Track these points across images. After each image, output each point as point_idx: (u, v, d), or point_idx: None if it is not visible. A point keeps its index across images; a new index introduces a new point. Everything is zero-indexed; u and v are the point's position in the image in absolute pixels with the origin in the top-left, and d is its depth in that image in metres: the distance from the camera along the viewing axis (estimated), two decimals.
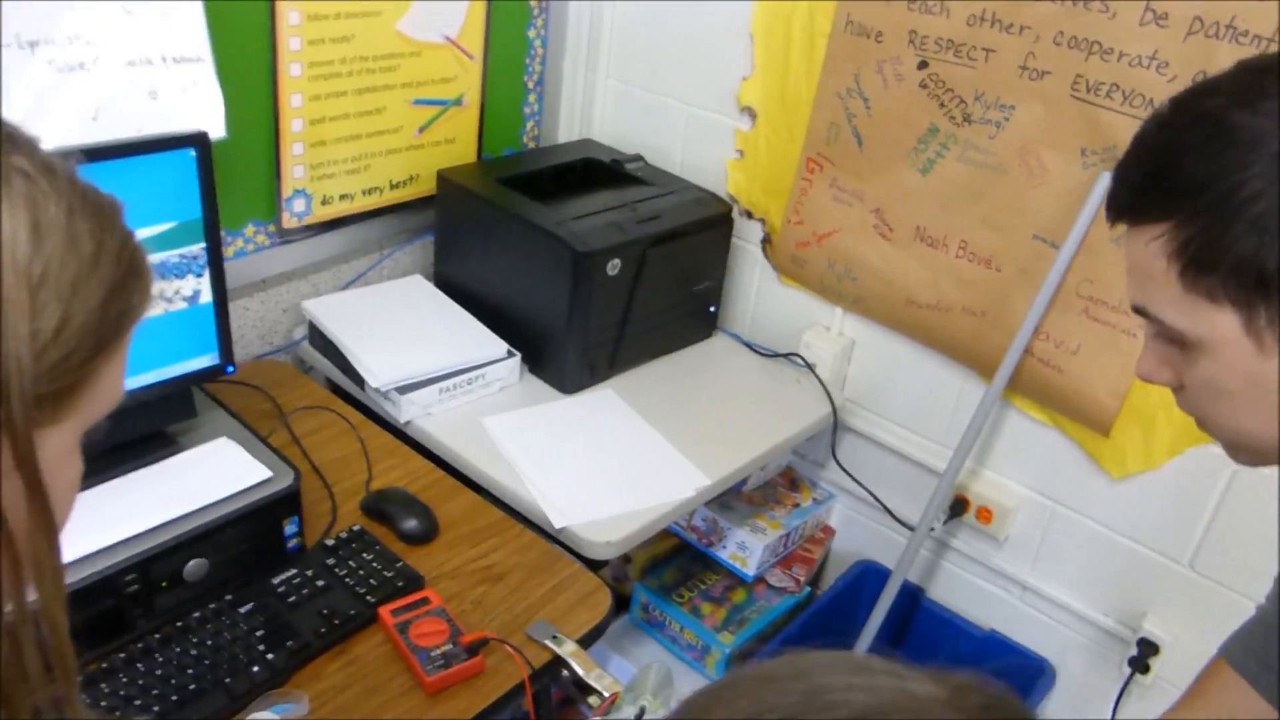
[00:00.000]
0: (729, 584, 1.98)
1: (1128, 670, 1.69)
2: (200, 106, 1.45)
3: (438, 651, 1.16)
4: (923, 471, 1.87)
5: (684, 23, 1.91)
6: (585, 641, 1.24)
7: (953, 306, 1.70)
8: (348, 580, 1.24)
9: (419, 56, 1.77)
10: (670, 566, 2.02)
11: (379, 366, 1.62)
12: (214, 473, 1.23)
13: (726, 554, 1.90)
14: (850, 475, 1.92)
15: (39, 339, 0.49)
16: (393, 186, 1.86)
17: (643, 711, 1.14)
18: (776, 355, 1.95)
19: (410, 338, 1.71)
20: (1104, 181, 1.48)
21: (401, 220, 1.90)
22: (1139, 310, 0.78)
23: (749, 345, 1.98)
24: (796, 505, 1.97)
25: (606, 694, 1.16)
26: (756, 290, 2.01)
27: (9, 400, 0.48)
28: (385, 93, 1.75)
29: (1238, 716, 1.00)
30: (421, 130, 1.86)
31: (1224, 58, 1.35)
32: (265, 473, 1.23)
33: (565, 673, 1.20)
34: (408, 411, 1.60)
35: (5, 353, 0.47)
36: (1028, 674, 1.83)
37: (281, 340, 1.79)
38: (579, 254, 1.62)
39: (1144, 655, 1.67)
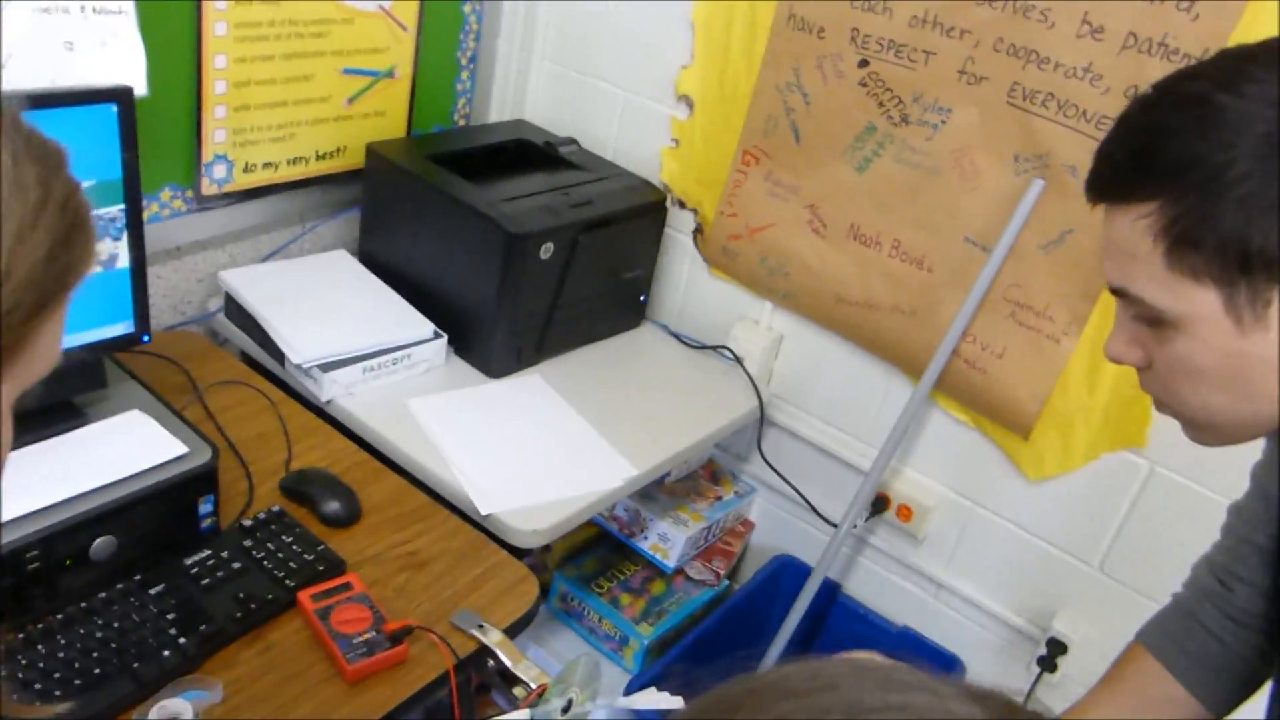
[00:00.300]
0: (648, 575, 1.97)
1: (1036, 669, 1.73)
2: (119, 61, 1.38)
3: (360, 639, 1.12)
4: (844, 468, 1.88)
5: (624, 8, 1.89)
6: (512, 631, 1.21)
7: (882, 305, 1.72)
8: (265, 563, 1.19)
9: (351, 24, 1.71)
10: (590, 556, 2.00)
11: (301, 342, 1.56)
12: (125, 447, 1.17)
13: (648, 545, 1.89)
14: (775, 470, 1.92)
15: None
16: (319, 157, 1.80)
17: (570, 704, 1.12)
18: (704, 347, 1.94)
19: (333, 314, 1.66)
20: (1035, 189, 1.50)
21: (326, 193, 1.84)
22: (1117, 290, 0.79)
23: (677, 336, 1.97)
24: (718, 498, 1.97)
25: (534, 685, 1.14)
26: (686, 281, 2.00)
27: None
28: (315, 59, 1.68)
29: (1153, 698, 1.03)
30: (351, 101, 1.80)
31: (1155, 73, 1.37)
32: (180, 448, 1.18)
33: (490, 663, 1.18)
34: (330, 390, 1.55)
35: None
36: (937, 671, 1.86)
37: (195, 311, 1.72)
38: (511, 236, 1.59)
39: (1052, 654, 1.71)
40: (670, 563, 1.87)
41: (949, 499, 1.80)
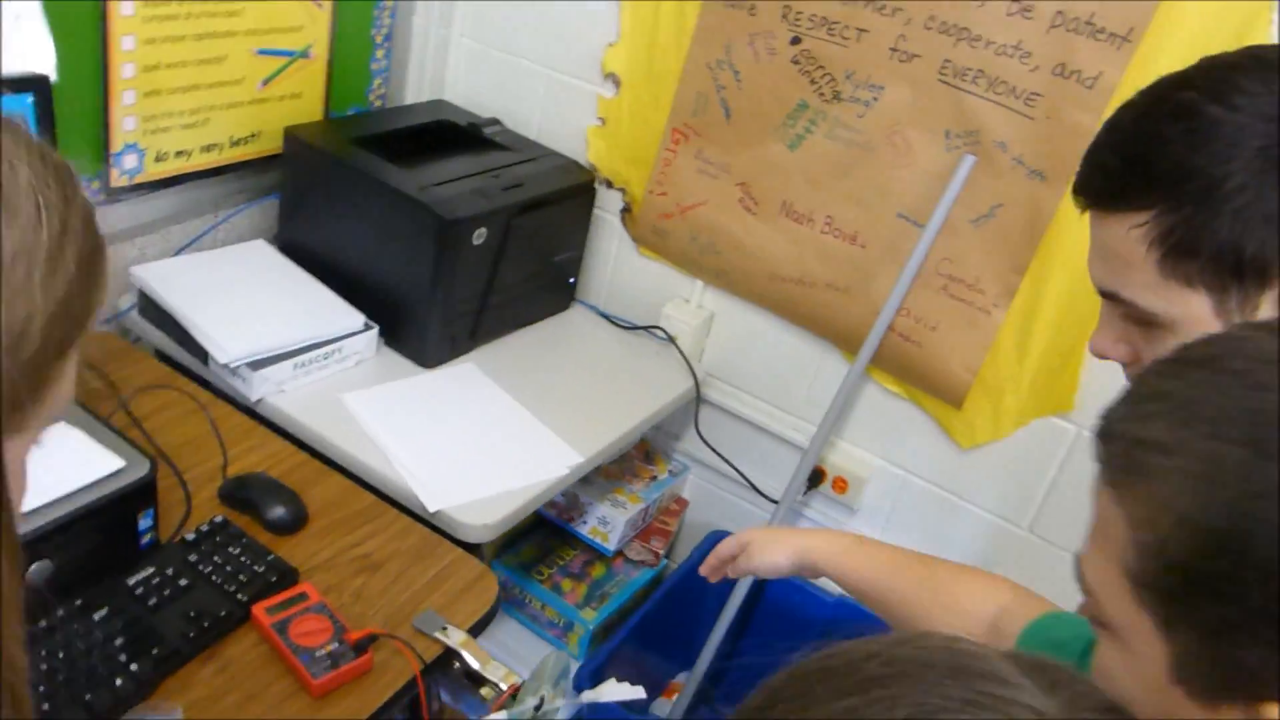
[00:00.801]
0: (588, 559, 1.96)
1: None
2: (24, 47, 1.28)
3: (323, 651, 1.08)
4: (779, 443, 1.90)
5: None
6: (475, 631, 1.19)
7: (816, 282, 1.73)
8: (214, 577, 1.14)
9: (264, 2, 1.63)
10: (527, 543, 1.98)
11: (226, 340, 1.50)
12: (56, 463, 1.10)
13: (587, 529, 1.88)
14: (714, 450, 1.93)
15: (13, 332, 0.41)
16: (233, 143, 1.72)
17: (542, 702, 1.11)
18: (636, 328, 1.93)
19: (258, 308, 1.59)
20: (967, 164, 1.53)
21: (241, 180, 1.76)
22: (1107, 293, 0.81)
23: (608, 317, 1.96)
24: (654, 478, 1.97)
25: (504, 686, 1.12)
26: (614, 261, 1.98)
27: None
28: (227, 40, 1.60)
29: None
30: (265, 83, 1.72)
31: (1083, 51, 1.41)
32: (115, 461, 1.11)
33: (456, 664, 1.15)
34: (260, 389, 1.49)
35: None
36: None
37: (106, 310, 1.63)
38: (445, 222, 1.54)
39: None
40: (611, 546, 1.86)
41: (883, 470, 1.84)
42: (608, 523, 1.86)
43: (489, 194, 1.63)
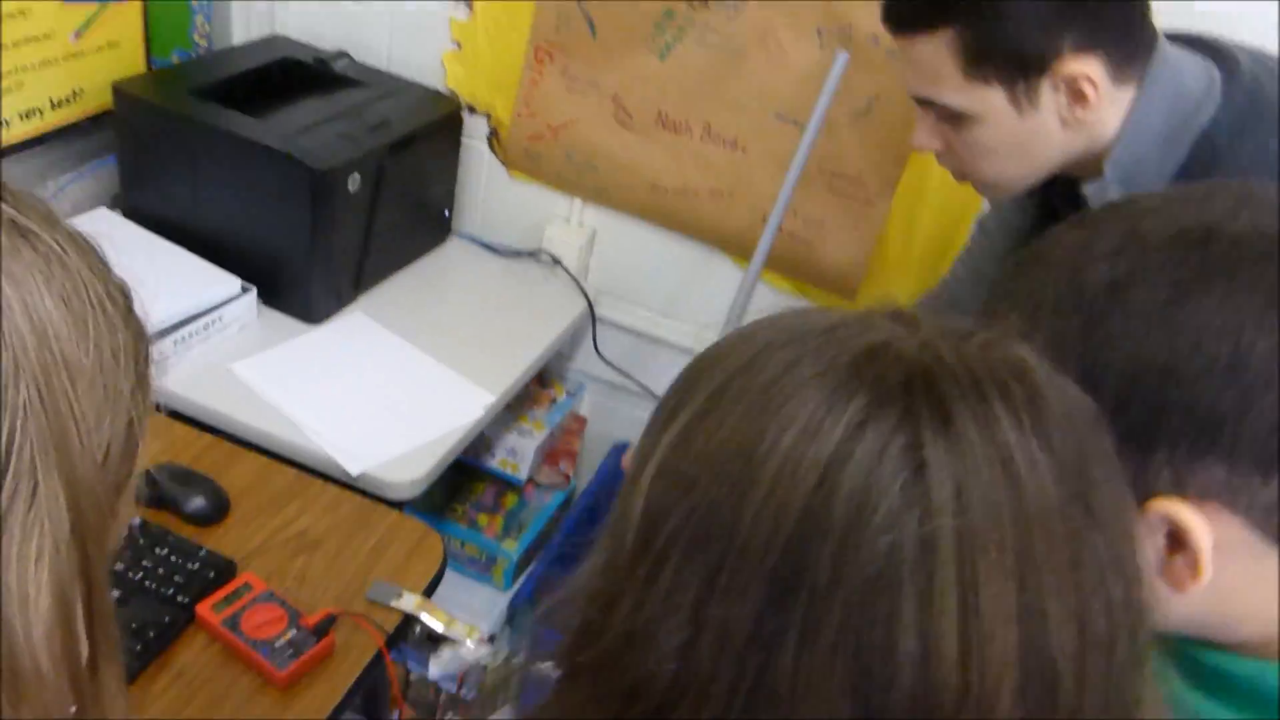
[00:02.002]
0: (498, 490, 1.95)
1: None
2: None
3: (282, 641, 1.05)
4: (676, 351, 1.91)
5: None
6: (429, 591, 1.17)
7: (699, 190, 1.73)
8: (148, 584, 1.08)
9: None
10: (435, 484, 1.94)
11: None
12: None
13: (496, 462, 1.86)
14: (614, 368, 1.92)
15: (100, 454, 0.37)
16: (54, 106, 1.56)
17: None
18: (520, 254, 1.89)
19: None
20: (841, 61, 1.53)
21: (70, 145, 1.62)
22: (922, 100, 1.03)
23: (488, 246, 1.91)
24: (553, 401, 1.96)
25: (469, 640, 1.11)
26: (485, 188, 1.92)
27: (85, 542, 0.35)
28: None
29: None
30: (78, 34, 1.57)
31: None
32: None
33: (417, 629, 1.14)
34: None
35: (77, 479, 0.35)
36: None
37: None
38: (318, 174, 1.46)
39: None
40: (522, 475, 1.86)
41: None
42: (517, 453, 1.84)
43: (356, 137, 1.55)
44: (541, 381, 2.01)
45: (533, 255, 1.88)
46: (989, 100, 0.98)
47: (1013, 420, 0.41)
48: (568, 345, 2.03)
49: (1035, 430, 0.42)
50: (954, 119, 1.01)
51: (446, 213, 1.85)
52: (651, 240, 1.85)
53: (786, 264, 1.74)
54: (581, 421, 2.09)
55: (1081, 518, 0.42)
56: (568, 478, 1.98)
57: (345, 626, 1.10)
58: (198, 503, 1.19)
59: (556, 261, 1.86)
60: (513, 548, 1.82)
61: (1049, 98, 0.97)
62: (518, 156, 1.84)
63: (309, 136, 1.51)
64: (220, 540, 1.17)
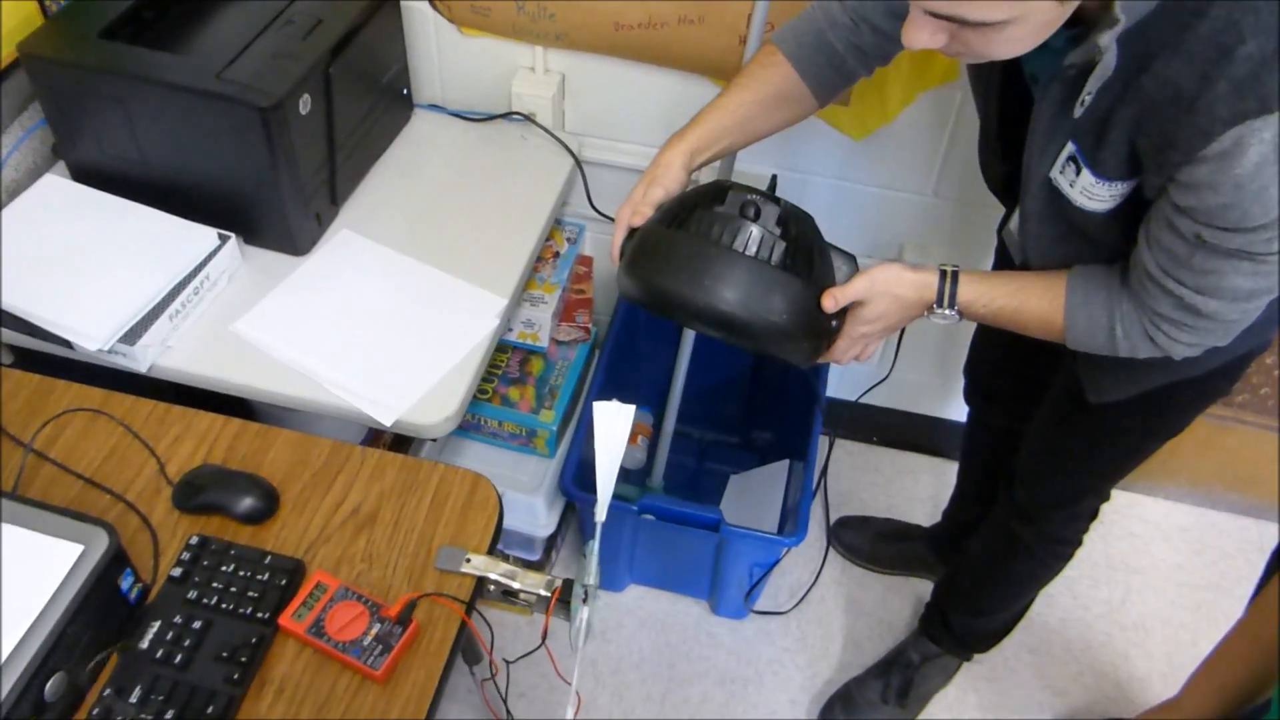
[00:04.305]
0: (522, 357, 1.93)
1: None
2: None
3: (369, 639, 1.07)
4: None
5: None
6: (492, 544, 1.19)
7: (667, 21, 1.59)
8: (224, 605, 1.09)
9: None
10: None
11: (85, 322, 1.33)
12: (15, 576, 1.00)
13: (515, 335, 1.83)
14: (608, 218, 1.85)
15: None
16: None
17: (586, 593, 1.13)
18: (491, 117, 1.77)
19: (100, 264, 1.40)
20: None
21: None
22: (946, 16, 0.88)
23: (456, 114, 1.79)
24: (557, 254, 1.91)
25: (548, 592, 1.13)
26: (439, 52, 1.77)
27: None
28: None
29: (780, 83, 1.28)
30: None
31: None
32: (72, 549, 1.02)
33: (491, 588, 1.16)
34: (145, 358, 1.36)
35: None
36: None
37: None
38: (264, 110, 1.34)
39: None
40: (543, 342, 1.83)
41: (785, 178, 1.80)
42: (534, 324, 1.81)
43: (293, 52, 1.41)
44: None
45: (505, 118, 1.76)
46: (1035, 6, 0.86)
47: None
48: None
49: None
50: (980, 26, 0.88)
51: (405, 90, 1.72)
52: (625, 75, 1.73)
53: None
54: (588, 261, 2.04)
55: None
56: (588, 330, 1.95)
57: (424, 603, 1.12)
58: (247, 503, 1.18)
59: (528, 118, 1.74)
60: (550, 419, 1.83)
61: None
62: (465, 13, 1.68)
63: (241, 66, 1.38)
64: (279, 537, 1.17)
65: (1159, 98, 0.89)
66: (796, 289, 1.10)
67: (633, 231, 1.21)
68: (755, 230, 1.10)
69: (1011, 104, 1.15)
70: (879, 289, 1.15)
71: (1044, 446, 1.48)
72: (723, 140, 1.27)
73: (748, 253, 1.09)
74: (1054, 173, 1.05)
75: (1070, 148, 1.01)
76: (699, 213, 1.12)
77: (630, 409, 1.08)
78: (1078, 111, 0.98)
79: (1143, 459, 1.41)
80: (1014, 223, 1.38)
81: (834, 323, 1.16)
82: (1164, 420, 1.34)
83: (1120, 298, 1.07)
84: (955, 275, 1.14)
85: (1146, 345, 1.07)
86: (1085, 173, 1.01)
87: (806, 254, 1.12)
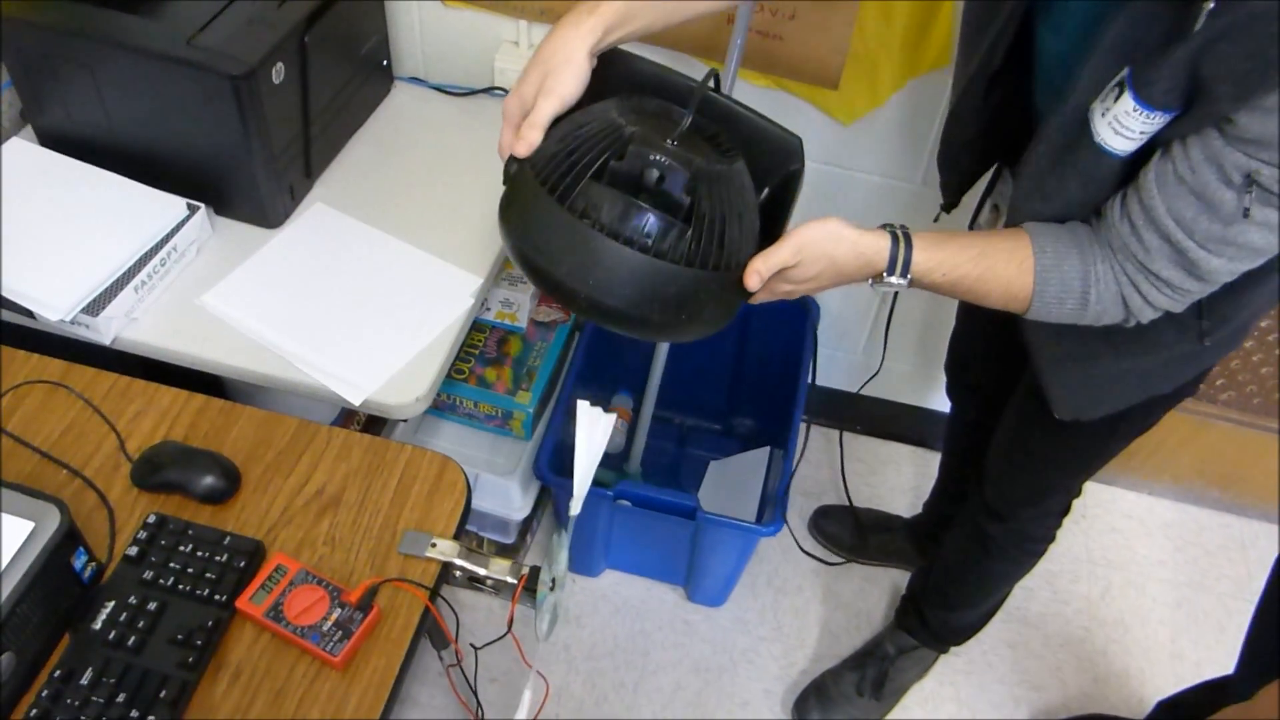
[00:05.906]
0: (499, 337, 1.90)
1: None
2: None
3: (329, 624, 1.04)
4: None
5: None
6: (460, 528, 1.16)
7: None
8: (180, 586, 1.06)
9: None
10: None
11: (49, 292, 1.30)
12: None
13: (493, 315, 1.80)
14: None
15: None
16: None
17: (554, 582, 1.11)
18: (473, 92, 1.74)
19: (66, 232, 1.37)
20: None
21: None
22: None
23: (437, 89, 1.75)
24: None
25: (514, 580, 1.11)
26: (420, 24, 1.73)
27: None
28: None
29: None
30: None
31: None
32: (22, 526, 0.99)
33: (457, 574, 1.13)
34: (109, 330, 1.32)
35: None
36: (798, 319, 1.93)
37: None
38: (236, 78, 1.30)
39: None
40: (522, 322, 1.80)
41: None
42: (512, 303, 1.78)
43: (267, 19, 1.37)
44: None
45: (487, 92, 1.72)
46: None
47: None
48: None
49: None
50: None
51: (385, 62, 1.68)
52: None
53: (762, 61, 1.59)
54: None
55: None
56: (567, 311, 1.92)
57: (387, 588, 1.10)
58: (207, 481, 1.15)
59: None
60: (527, 400, 1.80)
61: None
62: None
63: (213, 33, 1.34)
64: (240, 517, 1.14)
65: (1260, 10, 0.80)
66: (702, 282, 0.95)
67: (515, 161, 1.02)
68: (652, 219, 0.93)
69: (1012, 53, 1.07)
70: (812, 251, 0.99)
71: (1010, 444, 1.45)
72: (639, 18, 1.06)
73: (642, 245, 0.93)
74: (1096, 100, 0.93)
75: (1125, 70, 0.90)
76: (588, 184, 0.93)
77: (611, 418, 1.07)
78: (1199, 23, 0.83)
79: (1110, 458, 1.38)
80: (984, 216, 1.35)
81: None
82: (1129, 422, 1.31)
83: (1093, 258, 0.98)
84: (909, 238, 1.01)
85: (1116, 309, 0.99)
86: (1126, 97, 0.89)
87: (721, 229, 0.95)
